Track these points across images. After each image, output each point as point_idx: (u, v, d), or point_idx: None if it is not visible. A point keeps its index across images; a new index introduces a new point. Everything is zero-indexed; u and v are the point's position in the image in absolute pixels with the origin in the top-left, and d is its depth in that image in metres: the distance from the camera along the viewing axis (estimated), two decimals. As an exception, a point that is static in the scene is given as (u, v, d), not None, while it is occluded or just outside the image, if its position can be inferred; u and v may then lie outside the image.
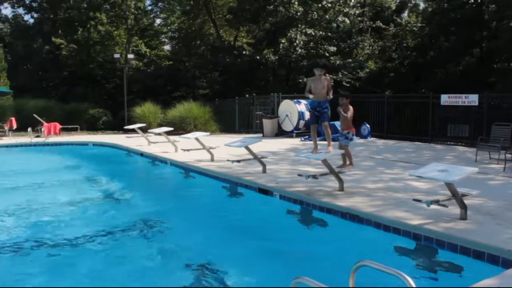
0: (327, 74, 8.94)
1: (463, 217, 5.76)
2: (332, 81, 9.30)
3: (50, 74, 31.47)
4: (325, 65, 9.31)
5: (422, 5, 36.03)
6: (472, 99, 15.05)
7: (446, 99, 15.81)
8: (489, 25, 25.30)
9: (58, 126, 19.37)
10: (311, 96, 8.77)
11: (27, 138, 17.65)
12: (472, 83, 22.28)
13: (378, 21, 30.96)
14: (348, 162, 9.50)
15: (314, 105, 8.91)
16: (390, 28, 31.53)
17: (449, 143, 16.15)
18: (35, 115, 19.84)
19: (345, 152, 9.41)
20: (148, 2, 36.37)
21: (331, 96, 8.72)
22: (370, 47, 29.41)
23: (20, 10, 34.77)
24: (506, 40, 22.60)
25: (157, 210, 8.32)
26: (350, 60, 26.87)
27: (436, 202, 5.76)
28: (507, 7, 22.52)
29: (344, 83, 26.12)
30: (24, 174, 11.79)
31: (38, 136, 18.56)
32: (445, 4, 26.79)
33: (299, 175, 8.28)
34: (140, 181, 12.10)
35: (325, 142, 8.96)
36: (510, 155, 10.27)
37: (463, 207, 5.76)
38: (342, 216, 6.57)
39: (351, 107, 9.56)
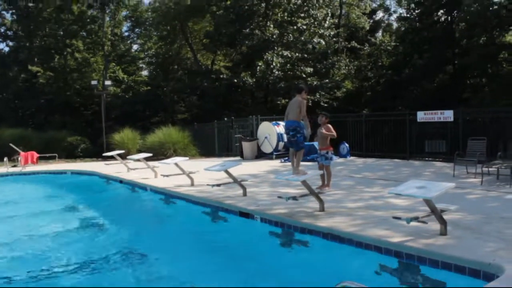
0: (298, 95, 9.09)
1: (443, 232, 5.80)
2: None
3: (26, 102, 31.15)
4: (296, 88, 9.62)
5: (395, 25, 36.89)
6: (448, 115, 15.31)
7: (422, 116, 16.06)
8: (460, 42, 25.96)
9: (36, 155, 19.08)
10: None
11: (4, 168, 17.32)
12: (446, 99, 22.73)
13: (353, 41, 31.54)
14: (325, 183, 9.51)
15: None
16: (365, 48, 32.13)
17: (427, 159, 16.34)
18: (11, 145, 19.53)
19: (327, 172, 9.44)
20: (124, 28, 36.57)
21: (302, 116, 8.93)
22: (346, 67, 29.87)
23: (-5, 39, 34.57)
24: (477, 57, 23.21)
25: (137, 238, 8.22)
26: (327, 80, 27.23)
27: (416, 219, 5.80)
28: (476, 25, 23.19)
29: (322, 103, 26.40)
30: None
31: (14, 166, 18.25)
32: (417, 24, 27.45)
33: (279, 197, 8.26)
34: (120, 209, 11.93)
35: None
36: (486, 169, 10.43)
37: (443, 222, 5.81)
38: (323, 236, 6.55)
39: (330, 126, 9.62)
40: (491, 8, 22.84)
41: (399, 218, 6.08)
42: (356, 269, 5.66)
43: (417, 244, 5.50)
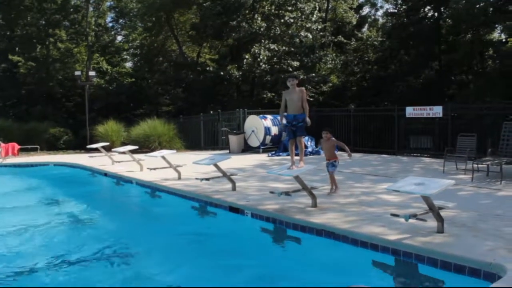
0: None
1: (440, 230, 5.69)
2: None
3: (7, 92, 30.37)
4: (296, 76, 9.25)
5: (381, 20, 36.88)
6: (437, 111, 15.28)
7: (411, 111, 15.99)
8: (447, 39, 26.04)
9: (17, 146, 18.63)
10: (284, 115, 8.65)
11: (-17, 160, 16.88)
12: (432, 95, 22.80)
13: (340, 36, 31.39)
14: (334, 187, 8.97)
15: (290, 119, 8.66)
16: (352, 43, 32.05)
17: (414, 155, 16.31)
18: (-9, 136, 19.06)
19: (331, 177, 8.95)
20: (109, 19, 35.90)
21: (307, 108, 8.52)
22: (333, 62, 29.70)
23: (-25, 28, 33.62)
24: (463, 53, 23.31)
25: (122, 233, 7.97)
26: (313, 74, 27.04)
27: (414, 216, 5.65)
28: (463, 22, 23.25)
29: (308, 98, 26.24)
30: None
31: (-6, 158, 17.79)
32: (404, 19, 27.46)
33: (271, 192, 8.08)
34: (105, 203, 11.65)
35: (289, 158, 8.73)
36: (477, 165, 10.39)
37: (440, 220, 5.70)
38: (317, 233, 6.40)
39: (333, 139, 9.00)
40: (478, 6, 22.88)
41: (397, 215, 5.94)
42: (352, 267, 5.52)
43: (415, 242, 5.38)
